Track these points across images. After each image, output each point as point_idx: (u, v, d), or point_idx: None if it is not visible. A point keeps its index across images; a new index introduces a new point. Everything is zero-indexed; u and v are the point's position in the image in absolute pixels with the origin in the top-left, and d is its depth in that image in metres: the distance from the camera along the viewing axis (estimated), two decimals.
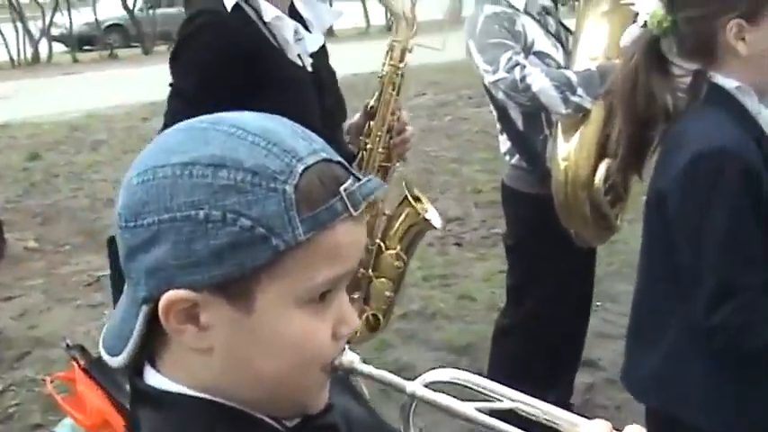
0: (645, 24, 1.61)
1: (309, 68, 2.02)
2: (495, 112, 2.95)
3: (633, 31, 1.65)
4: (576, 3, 2.83)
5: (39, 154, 8.26)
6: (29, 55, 16.98)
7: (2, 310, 4.67)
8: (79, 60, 17.29)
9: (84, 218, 6.21)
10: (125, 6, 17.82)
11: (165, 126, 1.91)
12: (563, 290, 2.92)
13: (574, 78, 2.58)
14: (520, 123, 2.87)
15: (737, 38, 1.52)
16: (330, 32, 19.14)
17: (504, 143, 2.96)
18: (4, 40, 16.14)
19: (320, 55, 2.09)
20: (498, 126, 2.97)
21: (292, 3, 2.09)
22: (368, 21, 19.59)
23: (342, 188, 0.83)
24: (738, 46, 1.52)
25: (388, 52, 2.01)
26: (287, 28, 1.95)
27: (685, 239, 1.53)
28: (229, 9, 1.88)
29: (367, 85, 5.73)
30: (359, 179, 0.86)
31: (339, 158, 0.88)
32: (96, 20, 18.37)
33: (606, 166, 2.58)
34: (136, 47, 18.55)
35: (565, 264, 2.87)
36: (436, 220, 2.06)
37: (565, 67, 2.75)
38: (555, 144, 2.73)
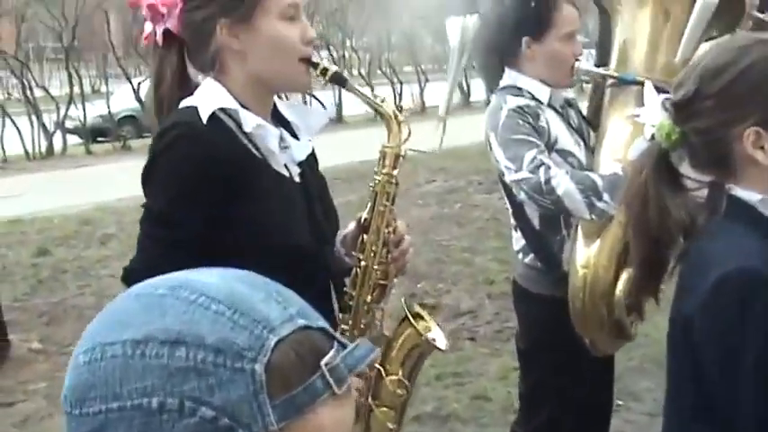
0: (653, 137, 1.52)
1: (297, 178, 1.91)
2: (510, 208, 2.84)
3: (640, 145, 1.56)
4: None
5: (48, 249, 8.21)
6: (43, 148, 17.16)
7: (3, 416, 4.55)
8: (93, 152, 17.43)
9: (90, 316, 5.96)
10: (138, 98, 18.08)
11: (134, 263, 1.79)
12: (580, 398, 2.77)
13: (600, 182, 2.46)
14: (536, 222, 2.75)
15: (756, 146, 1.42)
16: (339, 119, 19.35)
17: (519, 241, 2.84)
18: (20, 133, 16.33)
19: (309, 162, 1.98)
20: (513, 222, 2.85)
21: (276, 107, 1.97)
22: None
23: (323, 363, 0.72)
24: (758, 155, 1.42)
25: (379, 160, 1.90)
26: (270, 136, 1.82)
27: (718, 370, 1.41)
28: (205, 120, 1.73)
29: None
30: (344, 346, 0.75)
31: (320, 323, 0.77)
32: (109, 112, 18.62)
33: (628, 275, 2.45)
34: (148, 137, 18.71)
35: (581, 370, 2.74)
36: (441, 341, 1.93)
37: (588, 167, 2.66)
38: (574, 248, 2.62)
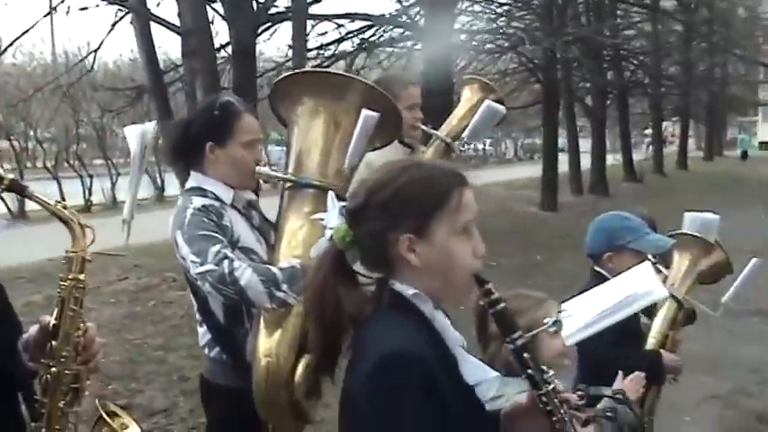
0: (331, 238, 1.73)
1: None
2: (195, 304, 2.93)
3: (321, 245, 1.76)
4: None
5: None
6: None
7: None
8: None
9: None
10: None
11: None
12: None
13: (279, 275, 2.64)
14: (221, 316, 2.86)
15: (409, 250, 1.67)
16: (22, 214, 18.21)
17: (204, 335, 2.92)
18: None
19: None
20: (198, 317, 2.94)
21: None
22: (64, 200, 18.88)
23: None
24: (410, 258, 1.68)
25: (65, 264, 1.93)
26: None
27: None
28: None
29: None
30: None
31: None
32: None
33: (306, 362, 2.63)
34: None
35: None
36: None
37: (268, 263, 2.81)
38: (256, 338, 2.75)
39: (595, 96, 26.28)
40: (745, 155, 49.36)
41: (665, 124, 45.41)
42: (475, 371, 1.72)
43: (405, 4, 14.70)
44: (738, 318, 8.79)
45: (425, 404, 1.57)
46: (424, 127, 3.60)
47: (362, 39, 14.82)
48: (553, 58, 18.03)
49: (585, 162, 25.06)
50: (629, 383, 2.87)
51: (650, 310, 3.39)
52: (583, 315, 1.97)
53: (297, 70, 3.18)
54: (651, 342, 3.34)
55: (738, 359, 7.19)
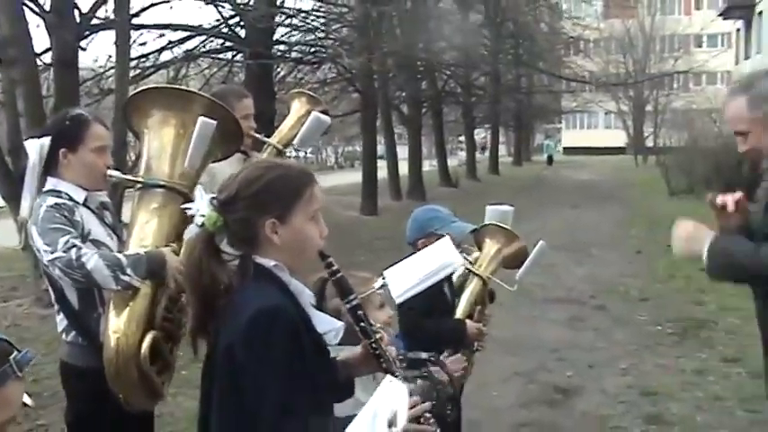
0: (203, 225, 2.12)
1: None
2: (52, 293, 3.23)
3: (193, 230, 2.14)
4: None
5: None
6: None
7: None
8: None
9: None
10: None
11: None
12: None
13: (124, 260, 3.00)
14: (75, 302, 3.17)
15: (272, 231, 2.10)
16: None
17: (62, 322, 3.22)
18: None
19: None
20: (56, 306, 3.24)
21: None
22: None
23: (11, 358, 1.15)
24: (273, 238, 2.10)
25: None
26: None
27: (255, 383, 1.97)
28: None
29: None
30: (19, 351, 1.18)
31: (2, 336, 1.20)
32: None
33: (152, 337, 3.02)
34: None
35: None
36: None
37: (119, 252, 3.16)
38: (107, 318, 3.08)
39: (411, 105, 27.43)
40: (550, 160, 52.74)
41: (478, 131, 47.81)
42: (323, 323, 2.18)
43: (225, 15, 14.93)
44: (540, 305, 9.77)
45: (292, 349, 1.99)
46: (257, 135, 4.03)
47: (186, 50, 14.97)
48: (370, 68, 18.77)
49: (404, 168, 26.10)
50: (451, 363, 3.44)
51: (458, 289, 3.96)
52: (402, 280, 2.45)
53: (148, 86, 3.54)
54: (459, 314, 3.90)
55: (540, 341, 8.00)
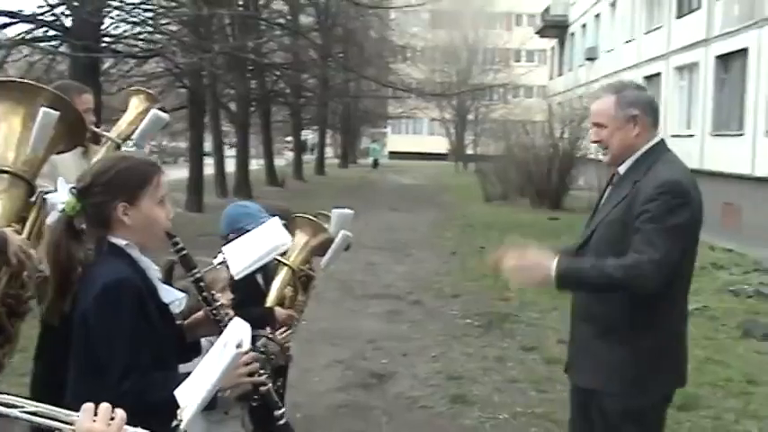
0: (63, 210, 2.40)
1: None
2: None
3: (54, 215, 2.43)
4: None
5: None
6: None
7: None
8: None
9: None
10: None
11: None
12: None
13: None
14: None
15: (123, 214, 2.40)
16: None
17: None
18: None
19: None
20: None
21: None
22: None
23: None
24: (125, 219, 2.40)
25: None
26: None
27: (105, 343, 2.28)
28: None
29: None
30: None
31: None
32: None
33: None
34: None
35: None
36: None
37: None
38: None
39: (240, 104, 27.47)
40: (376, 163, 53.91)
41: (305, 132, 48.24)
42: (168, 294, 2.50)
43: (51, 2, 14.53)
44: (361, 300, 10.31)
45: (139, 315, 2.30)
46: (96, 129, 4.24)
47: (7, 37, 14.46)
48: (200, 65, 18.75)
49: (230, 166, 26.13)
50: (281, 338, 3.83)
51: (269, 277, 4.31)
52: (240, 258, 2.80)
53: None
54: (270, 301, 4.24)
55: (359, 332, 8.51)
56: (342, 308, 9.63)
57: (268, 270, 4.24)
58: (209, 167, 23.21)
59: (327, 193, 26.03)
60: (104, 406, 1.53)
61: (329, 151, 54.98)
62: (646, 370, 3.20)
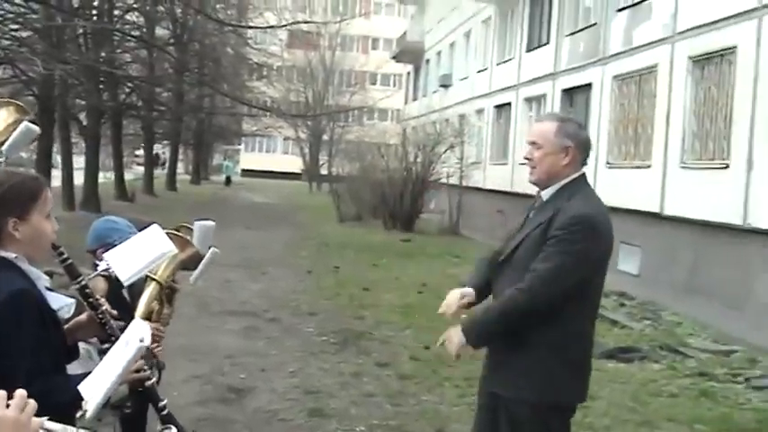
0: None
1: None
2: None
3: None
4: None
5: None
6: None
7: None
8: None
9: None
10: None
11: None
12: None
13: None
14: None
15: (14, 229, 2.46)
16: None
17: None
18: None
19: None
20: None
21: None
22: None
23: None
24: (15, 234, 2.47)
25: None
26: None
27: (6, 350, 2.31)
28: None
29: None
30: None
31: None
32: None
33: None
34: None
35: None
36: None
37: None
38: None
39: (90, 115, 26.69)
40: (228, 180, 53.48)
41: (157, 147, 47.26)
42: (57, 301, 2.59)
43: None
44: (217, 316, 10.34)
45: (38, 323, 2.39)
46: None
47: None
48: (51, 74, 18.21)
49: (79, 178, 25.34)
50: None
51: (137, 291, 4.38)
52: (126, 264, 2.90)
53: None
54: (138, 315, 4.30)
55: (216, 348, 8.57)
56: (198, 324, 9.64)
57: (133, 285, 4.31)
58: (56, 179, 22.43)
59: (179, 209, 25.68)
60: (20, 393, 1.65)
61: (181, 167, 54.03)
62: (553, 382, 3.42)
